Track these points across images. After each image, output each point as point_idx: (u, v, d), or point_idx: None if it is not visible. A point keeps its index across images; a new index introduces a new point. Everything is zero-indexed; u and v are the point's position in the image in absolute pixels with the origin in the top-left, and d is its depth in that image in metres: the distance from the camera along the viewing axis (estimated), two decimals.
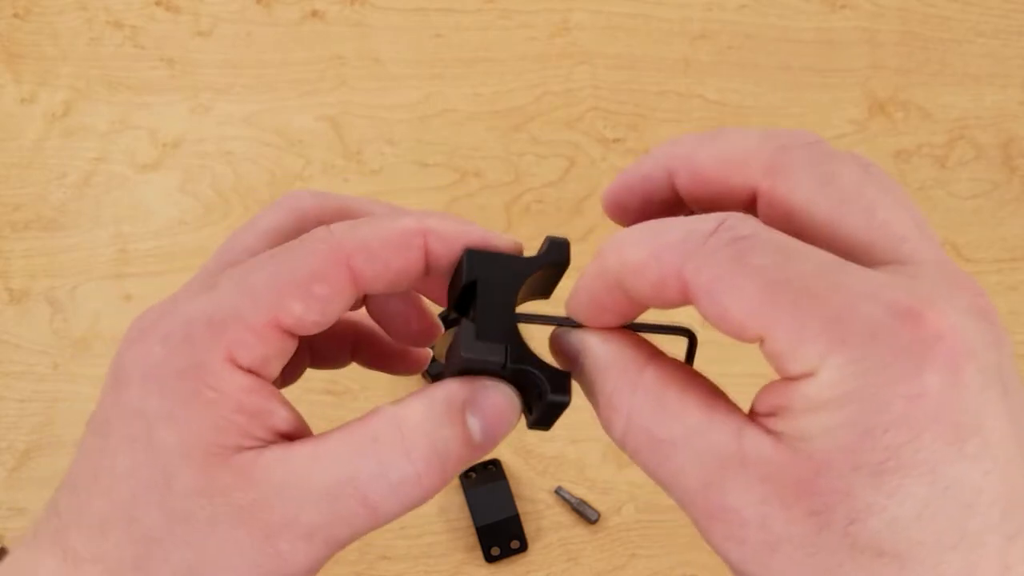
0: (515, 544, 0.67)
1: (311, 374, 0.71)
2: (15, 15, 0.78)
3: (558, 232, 0.31)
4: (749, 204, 0.26)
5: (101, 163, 0.75)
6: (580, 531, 0.69)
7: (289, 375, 0.33)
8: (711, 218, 0.23)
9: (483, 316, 0.27)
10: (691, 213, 0.28)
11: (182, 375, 0.25)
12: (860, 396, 0.21)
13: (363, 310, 0.33)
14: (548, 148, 0.76)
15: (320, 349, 0.34)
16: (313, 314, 0.26)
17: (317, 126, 0.76)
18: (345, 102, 0.77)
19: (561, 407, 0.26)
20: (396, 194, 0.75)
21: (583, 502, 0.68)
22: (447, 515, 0.69)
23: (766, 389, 0.23)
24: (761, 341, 0.22)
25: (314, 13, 0.79)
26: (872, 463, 0.21)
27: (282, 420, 0.26)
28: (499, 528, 0.67)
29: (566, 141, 0.77)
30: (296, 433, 0.27)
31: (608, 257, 0.24)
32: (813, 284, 0.21)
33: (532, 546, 0.68)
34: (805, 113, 0.78)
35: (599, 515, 0.68)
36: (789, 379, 0.22)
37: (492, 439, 0.27)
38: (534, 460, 0.70)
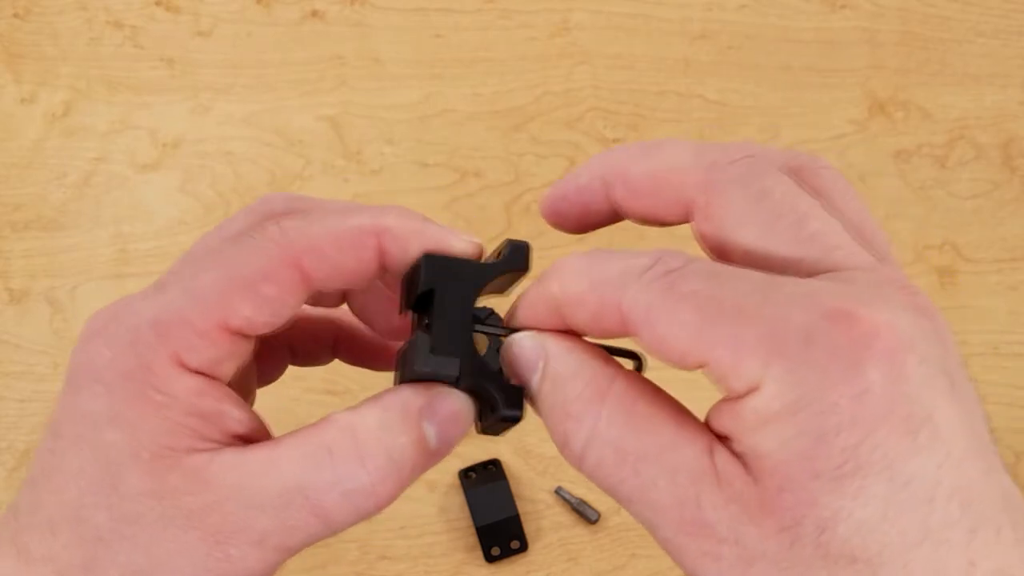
0: (515, 544, 0.67)
1: (310, 373, 0.70)
2: (15, 15, 0.78)
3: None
4: (686, 218, 0.26)
5: (101, 163, 0.75)
6: (580, 531, 0.69)
7: (268, 374, 0.33)
8: (648, 254, 0.23)
9: (439, 329, 0.26)
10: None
11: (128, 377, 0.25)
12: (806, 403, 0.21)
13: (344, 306, 0.33)
14: (548, 148, 0.76)
15: (300, 346, 0.34)
16: (263, 315, 0.26)
17: (317, 126, 0.76)
18: (345, 102, 0.77)
19: (514, 421, 0.26)
20: (396, 194, 0.75)
21: (583, 502, 0.68)
22: (447, 515, 0.69)
23: (714, 412, 0.23)
24: (704, 366, 0.22)
25: (314, 13, 0.79)
26: (831, 468, 0.21)
27: (236, 422, 0.26)
28: (499, 528, 0.67)
29: (566, 141, 0.77)
30: (253, 435, 0.26)
31: (551, 284, 0.25)
32: (745, 302, 0.22)
33: (532, 546, 0.68)
34: (805, 113, 0.78)
35: (599, 515, 0.68)
36: (736, 398, 0.22)
37: (448, 445, 0.26)
38: (534, 460, 0.70)
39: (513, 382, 0.26)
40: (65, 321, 0.71)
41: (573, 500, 0.68)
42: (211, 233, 0.29)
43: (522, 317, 0.26)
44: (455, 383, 0.26)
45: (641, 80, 0.78)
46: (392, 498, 0.26)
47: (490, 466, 0.69)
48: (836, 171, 0.26)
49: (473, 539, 0.68)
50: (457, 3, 0.79)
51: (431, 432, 0.26)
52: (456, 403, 0.26)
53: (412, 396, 0.26)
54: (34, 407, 0.70)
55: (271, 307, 0.26)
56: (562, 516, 0.69)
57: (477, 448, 0.70)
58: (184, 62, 0.77)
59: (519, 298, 0.27)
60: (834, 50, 0.79)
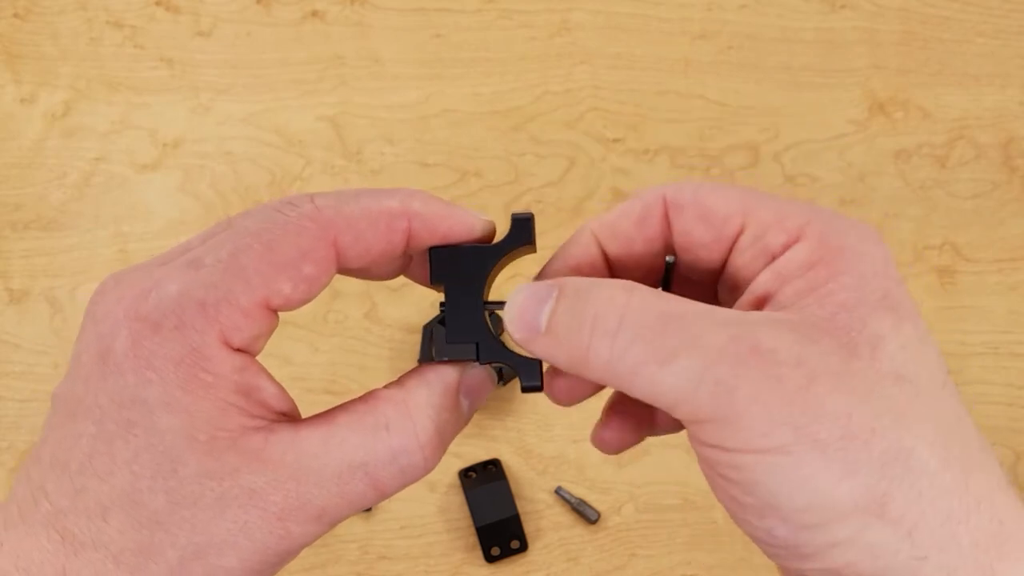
0: (515, 544, 0.67)
1: (309, 373, 0.70)
2: (15, 15, 0.78)
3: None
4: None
5: (101, 163, 0.75)
6: (580, 531, 0.69)
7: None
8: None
9: (452, 318, 0.28)
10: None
11: (179, 362, 0.25)
12: (847, 249, 0.25)
13: None
14: (548, 148, 0.76)
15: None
16: (300, 293, 0.26)
17: (317, 126, 0.76)
18: (345, 102, 0.77)
19: (535, 391, 0.29)
20: None
21: (583, 502, 0.68)
22: (447, 515, 0.69)
23: (751, 288, 0.26)
24: (743, 231, 0.26)
25: (314, 13, 0.79)
26: (874, 300, 0.24)
27: (272, 396, 0.27)
28: (499, 528, 0.67)
29: (566, 141, 0.77)
30: (289, 411, 0.27)
31: (586, 226, 0.27)
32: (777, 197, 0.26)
33: (532, 546, 0.68)
34: (805, 113, 0.78)
35: (599, 515, 0.68)
36: (774, 257, 0.26)
37: (473, 411, 0.29)
38: (534, 460, 0.70)
39: (520, 346, 0.27)
40: (65, 321, 0.71)
41: (573, 500, 0.68)
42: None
43: (561, 254, 0.28)
44: (477, 361, 0.29)
45: (641, 80, 0.78)
46: (436, 464, 0.28)
47: (490, 466, 0.69)
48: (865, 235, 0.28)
49: (473, 539, 0.68)
50: (457, 3, 0.79)
51: (465, 404, 0.29)
52: (482, 375, 0.29)
53: (451, 372, 0.28)
54: (34, 407, 0.70)
55: (308, 285, 0.26)
56: (562, 516, 0.69)
57: (477, 448, 0.70)
58: (184, 62, 0.77)
59: (553, 255, 0.29)
60: (834, 50, 0.79)
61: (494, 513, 0.67)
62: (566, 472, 0.69)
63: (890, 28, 0.80)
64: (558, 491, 0.69)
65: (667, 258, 0.28)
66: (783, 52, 0.79)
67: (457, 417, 0.28)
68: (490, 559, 0.67)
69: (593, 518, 0.68)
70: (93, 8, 0.78)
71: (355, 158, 0.76)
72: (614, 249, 0.28)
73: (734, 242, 0.27)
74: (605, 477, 0.69)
